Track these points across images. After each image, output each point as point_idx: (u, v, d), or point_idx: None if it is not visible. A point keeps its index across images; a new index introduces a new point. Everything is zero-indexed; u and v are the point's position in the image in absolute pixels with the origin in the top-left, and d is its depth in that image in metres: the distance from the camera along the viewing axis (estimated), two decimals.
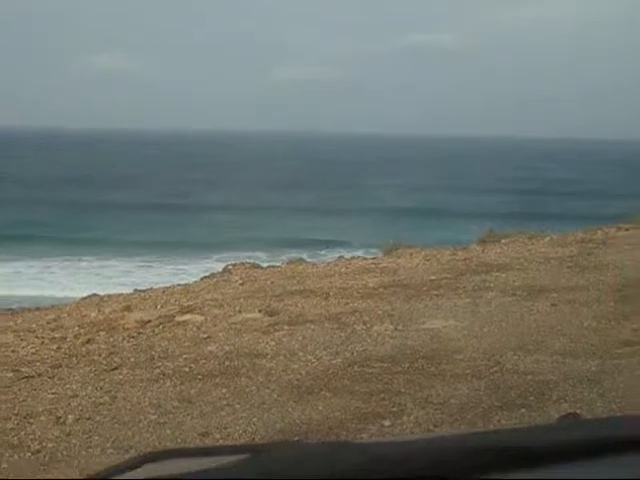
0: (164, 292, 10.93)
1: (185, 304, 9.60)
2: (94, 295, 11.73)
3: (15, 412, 6.04)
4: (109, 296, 11.37)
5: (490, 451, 1.16)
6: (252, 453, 1.23)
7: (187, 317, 8.85)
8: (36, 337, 8.47)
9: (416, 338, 7.54)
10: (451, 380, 6.33)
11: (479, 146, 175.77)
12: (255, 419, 5.71)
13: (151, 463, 1.23)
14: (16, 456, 5.30)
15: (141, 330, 8.42)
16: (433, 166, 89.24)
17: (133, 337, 8.14)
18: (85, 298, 11.48)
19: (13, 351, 7.92)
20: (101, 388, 6.51)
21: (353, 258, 13.97)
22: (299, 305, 9.12)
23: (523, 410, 5.63)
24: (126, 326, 8.66)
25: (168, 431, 5.58)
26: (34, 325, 9.24)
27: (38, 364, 7.32)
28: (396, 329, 7.88)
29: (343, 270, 11.66)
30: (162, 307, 9.63)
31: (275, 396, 6.15)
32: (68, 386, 6.62)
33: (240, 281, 11.17)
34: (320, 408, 5.89)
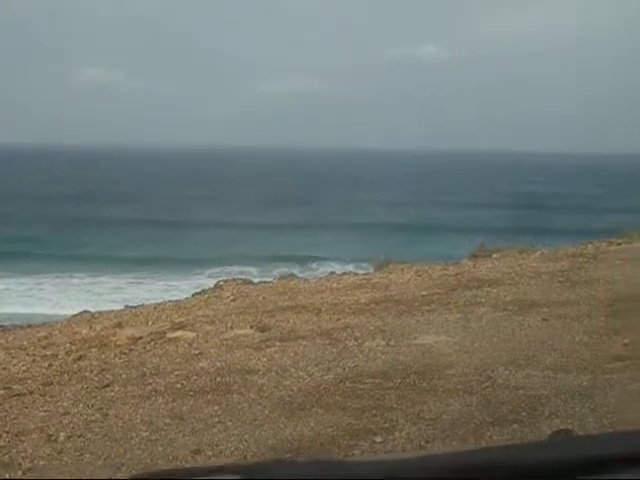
0: (155, 308, 10.91)
1: (177, 320, 9.59)
2: (85, 312, 11.70)
3: (6, 430, 6.02)
4: (100, 313, 11.34)
5: (482, 469, 1.17)
6: (243, 473, 1.23)
7: (179, 333, 8.84)
8: (27, 354, 8.44)
9: (408, 354, 7.54)
10: (443, 396, 6.33)
11: (475, 160, 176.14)
12: (247, 436, 5.70)
13: None
14: (7, 475, 5.27)
15: (132, 347, 8.40)
16: (426, 181, 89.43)
17: (125, 354, 8.12)
18: (76, 315, 11.44)
19: (4, 368, 7.89)
20: (93, 405, 6.49)
21: (344, 274, 13.97)
22: (291, 321, 9.12)
23: (515, 426, 5.63)
24: (117, 343, 8.64)
25: (160, 448, 5.56)
26: (25, 342, 9.21)
27: (29, 381, 7.30)
28: (388, 345, 7.88)
29: (334, 286, 11.66)
30: (153, 323, 9.61)
31: (267, 413, 6.14)
32: (59, 403, 6.59)
33: (231, 297, 11.16)
34: (312, 424, 5.88)
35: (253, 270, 32.78)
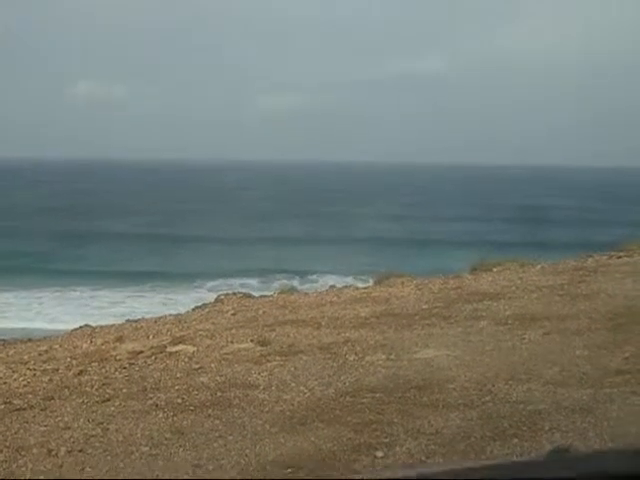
0: (156, 322, 10.92)
1: (177, 334, 9.59)
2: (86, 326, 11.71)
3: (7, 444, 6.02)
4: (101, 327, 11.35)
5: None
6: None
7: (179, 348, 8.84)
8: (28, 369, 8.45)
9: (408, 368, 7.54)
10: (443, 410, 6.33)
11: (477, 174, 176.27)
12: (247, 450, 5.69)
13: None
14: None
15: (133, 361, 8.41)
16: (425, 194, 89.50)
17: (125, 368, 8.13)
18: (77, 329, 11.46)
19: (5, 383, 7.89)
20: (93, 420, 6.49)
21: (344, 287, 13.97)
22: (291, 335, 9.12)
23: (515, 440, 5.62)
24: (118, 357, 8.64)
25: (160, 463, 5.56)
26: (26, 356, 9.22)
27: (30, 396, 7.30)
28: (388, 359, 7.88)
29: (335, 300, 11.66)
30: (154, 337, 9.61)
31: (267, 427, 6.13)
32: (60, 418, 6.59)
33: (232, 311, 11.17)
34: (312, 439, 5.87)
35: (253, 282, 32.83)
